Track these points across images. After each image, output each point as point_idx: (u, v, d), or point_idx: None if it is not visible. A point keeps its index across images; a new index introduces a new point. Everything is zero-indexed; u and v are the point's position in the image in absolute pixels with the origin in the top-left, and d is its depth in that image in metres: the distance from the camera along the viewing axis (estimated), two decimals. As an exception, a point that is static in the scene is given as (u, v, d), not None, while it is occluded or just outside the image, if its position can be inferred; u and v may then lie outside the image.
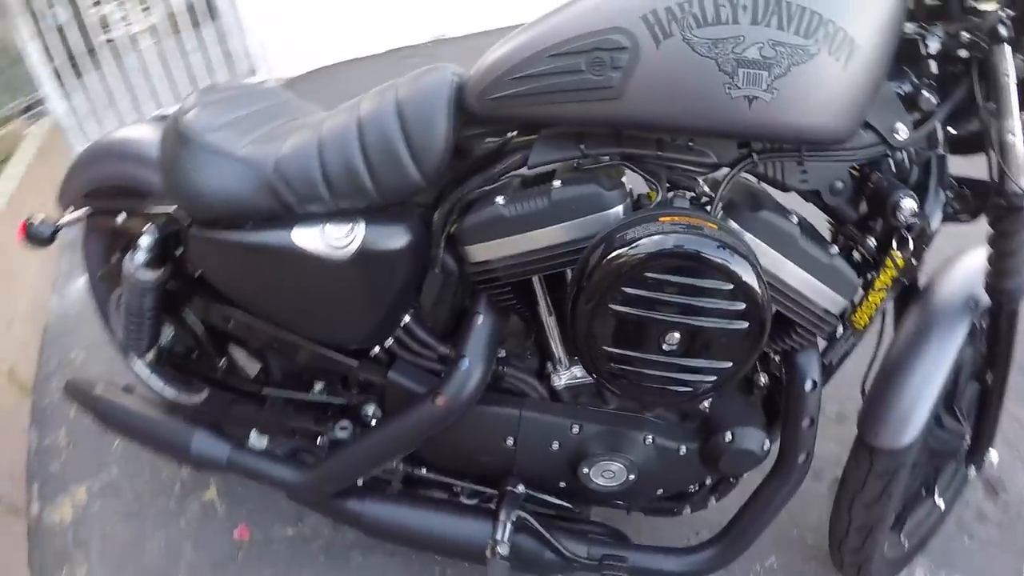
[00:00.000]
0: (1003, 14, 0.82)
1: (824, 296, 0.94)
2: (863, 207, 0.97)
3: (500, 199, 0.93)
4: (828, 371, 1.07)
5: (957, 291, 1.06)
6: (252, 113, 1.13)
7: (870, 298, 0.98)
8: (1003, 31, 0.81)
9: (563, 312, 0.96)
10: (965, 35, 0.84)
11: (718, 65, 0.76)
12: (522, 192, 0.93)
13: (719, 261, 0.79)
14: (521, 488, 1.16)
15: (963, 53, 0.86)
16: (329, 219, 1.00)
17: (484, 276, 0.99)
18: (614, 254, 0.82)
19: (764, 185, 0.96)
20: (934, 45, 0.86)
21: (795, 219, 0.92)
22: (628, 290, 0.83)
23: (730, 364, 0.88)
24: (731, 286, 0.81)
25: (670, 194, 0.93)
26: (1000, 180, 0.86)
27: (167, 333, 1.40)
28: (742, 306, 0.82)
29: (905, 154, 0.93)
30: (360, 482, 1.27)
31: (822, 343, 1.05)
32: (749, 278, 0.81)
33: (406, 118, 0.93)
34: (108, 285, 1.53)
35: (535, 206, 0.91)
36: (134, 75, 3.15)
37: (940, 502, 1.30)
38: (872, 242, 0.96)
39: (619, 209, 0.90)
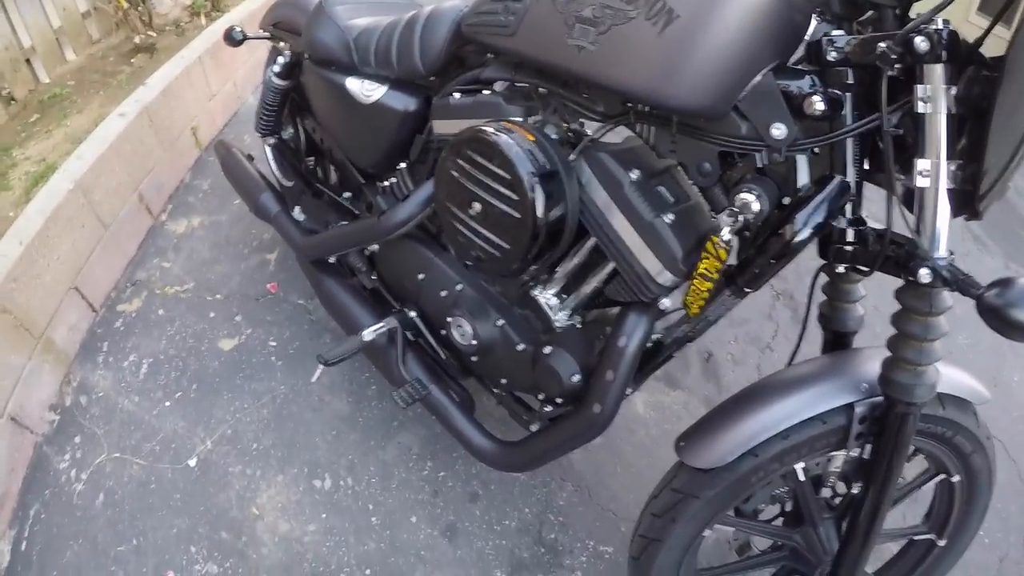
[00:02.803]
0: (933, 26, 0.69)
1: (646, 256, 0.99)
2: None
3: (456, 94, 1.23)
4: (661, 348, 1.12)
5: (859, 364, 0.94)
6: (379, 3, 1.56)
7: (695, 283, 0.95)
8: (921, 45, 0.69)
9: None
10: (881, 46, 0.72)
11: (564, 19, 0.93)
12: (467, 92, 1.22)
13: (507, 156, 0.98)
14: (413, 313, 1.45)
15: (885, 62, 0.73)
16: (369, 78, 1.40)
17: (437, 146, 1.30)
18: (460, 133, 1.07)
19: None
20: (832, 52, 0.79)
21: (635, 175, 0.99)
22: (455, 159, 1.08)
23: (508, 247, 1.05)
24: (509, 178, 0.99)
25: (545, 120, 1.11)
26: (911, 241, 0.80)
27: (288, 131, 1.90)
28: (515, 197, 1.00)
29: (804, 164, 0.86)
30: (333, 260, 1.67)
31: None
32: (525, 178, 0.97)
33: (426, 26, 1.28)
34: None
35: (464, 103, 1.21)
36: None
37: None
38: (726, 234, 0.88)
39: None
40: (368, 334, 1.40)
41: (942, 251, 0.78)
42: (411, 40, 1.30)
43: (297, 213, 1.80)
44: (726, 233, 0.87)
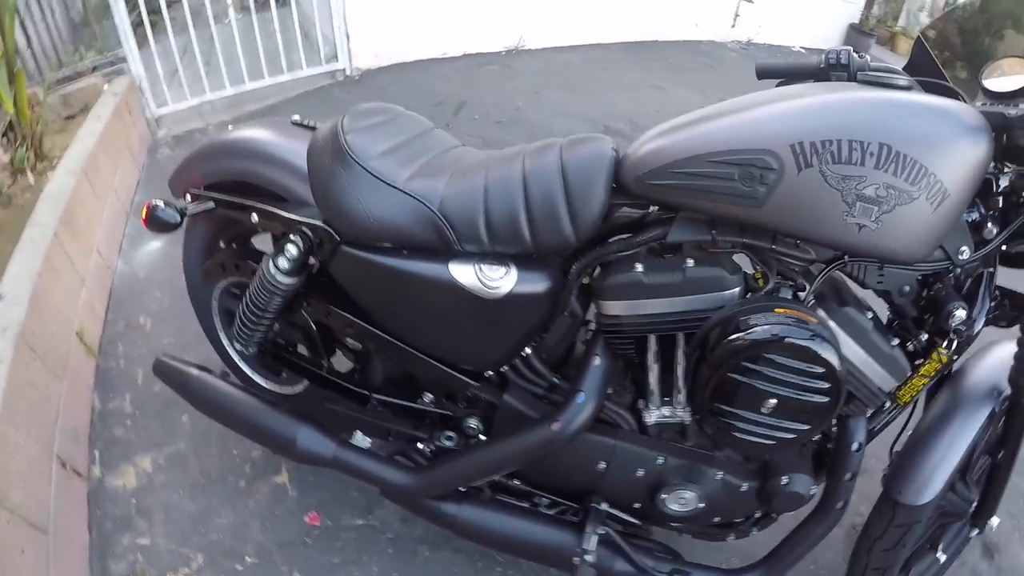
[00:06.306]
0: None
1: (881, 377, 1.08)
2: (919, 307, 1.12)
3: (639, 267, 1.05)
4: (871, 435, 1.22)
5: (984, 379, 1.23)
6: (405, 142, 1.19)
7: (915, 381, 1.12)
8: None
9: (667, 362, 1.15)
10: None
11: (842, 196, 0.90)
12: (658, 263, 1.06)
13: (819, 353, 0.96)
14: (604, 506, 1.28)
15: None
16: (482, 259, 1.09)
17: (612, 328, 1.10)
18: (741, 333, 0.98)
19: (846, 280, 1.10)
20: (1004, 184, 0.99)
21: (870, 315, 1.07)
22: (747, 364, 0.99)
23: (808, 427, 1.04)
24: (823, 370, 0.97)
25: (776, 285, 1.08)
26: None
27: (273, 327, 1.40)
28: (827, 385, 0.99)
29: (961, 268, 1.07)
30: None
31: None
32: (836, 365, 0.97)
33: (569, 183, 1.03)
34: (211, 276, 1.53)
35: (670, 279, 1.04)
36: (212, 49, 3.11)
37: (942, 556, 1.47)
38: (924, 337, 1.09)
39: (736, 291, 1.03)
40: (590, 556, 1.20)
41: None
42: (553, 205, 1.03)
43: (359, 439, 1.37)
44: (957, 344, 1.06)
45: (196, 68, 3.03)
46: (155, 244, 2.38)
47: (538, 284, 1.09)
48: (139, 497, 1.60)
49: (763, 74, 1.19)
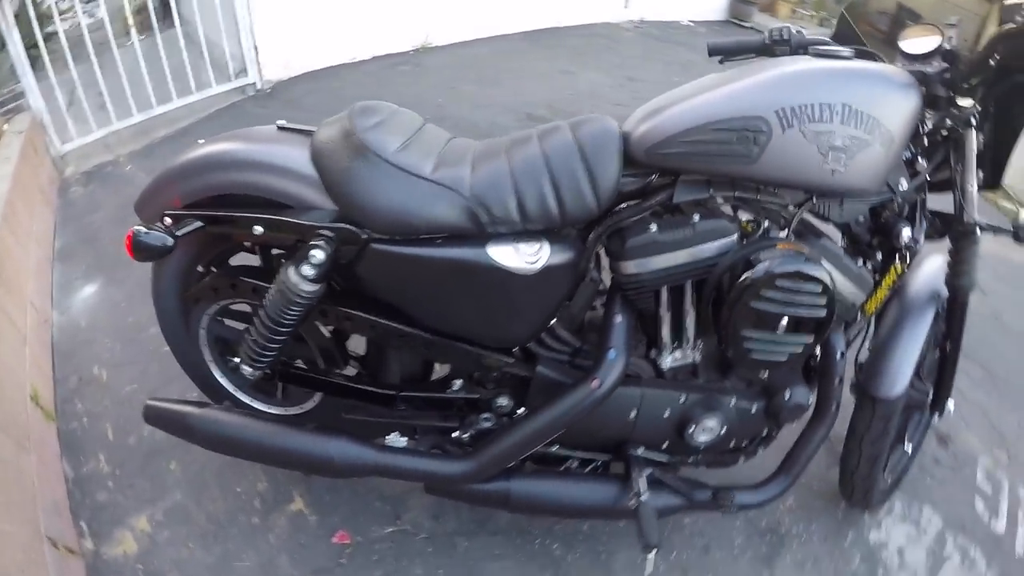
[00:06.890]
0: (974, 109, 1.18)
1: (854, 293, 1.27)
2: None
3: (653, 227, 1.16)
4: (847, 345, 1.39)
5: (925, 287, 1.44)
6: (413, 137, 1.21)
7: (878, 293, 1.33)
8: (972, 121, 1.19)
9: (675, 309, 1.27)
10: (948, 121, 1.22)
11: (818, 148, 1.08)
12: (669, 222, 1.17)
13: (818, 276, 1.13)
14: (642, 450, 1.36)
15: (944, 132, 1.23)
16: (516, 238, 1.15)
17: (633, 285, 1.20)
18: (754, 269, 1.12)
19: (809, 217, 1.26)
20: (928, 127, 1.23)
21: (840, 243, 1.28)
22: (766, 292, 1.13)
23: (811, 340, 1.20)
24: (821, 289, 1.14)
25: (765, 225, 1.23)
26: (959, 214, 1.25)
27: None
28: (825, 301, 1.15)
29: (902, 197, 1.27)
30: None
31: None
32: (830, 284, 1.14)
33: (587, 158, 1.13)
34: (197, 304, 1.42)
35: (682, 234, 1.17)
36: (114, 74, 2.86)
37: (908, 448, 1.69)
38: (879, 256, 1.31)
39: (735, 237, 1.18)
40: (645, 496, 1.26)
41: (977, 216, 1.26)
42: (576, 180, 1.12)
43: (396, 439, 1.34)
44: (908, 258, 1.27)
45: (99, 97, 2.77)
46: (89, 289, 2.18)
47: (567, 254, 1.17)
48: (145, 561, 1.47)
49: (714, 51, 1.38)
